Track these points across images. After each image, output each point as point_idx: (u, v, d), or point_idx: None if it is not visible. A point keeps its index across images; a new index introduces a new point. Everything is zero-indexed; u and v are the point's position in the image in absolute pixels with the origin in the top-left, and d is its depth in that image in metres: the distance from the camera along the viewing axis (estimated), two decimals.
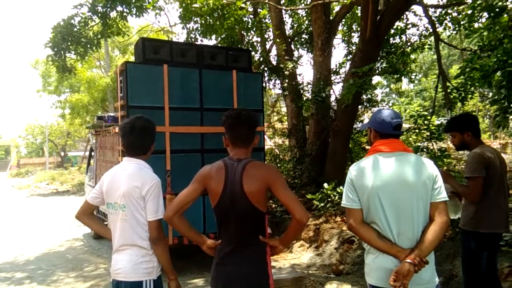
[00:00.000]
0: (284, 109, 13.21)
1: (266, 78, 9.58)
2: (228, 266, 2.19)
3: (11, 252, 7.43)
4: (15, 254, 7.32)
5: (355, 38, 11.39)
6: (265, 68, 9.43)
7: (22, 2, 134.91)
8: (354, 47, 11.06)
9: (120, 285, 2.34)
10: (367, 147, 9.26)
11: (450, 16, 9.37)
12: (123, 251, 2.35)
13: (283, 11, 10.08)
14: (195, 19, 8.22)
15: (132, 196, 2.30)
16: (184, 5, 7.62)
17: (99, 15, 8.32)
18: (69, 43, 8.56)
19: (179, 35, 21.62)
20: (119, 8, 8.33)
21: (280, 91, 11.05)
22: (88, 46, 8.87)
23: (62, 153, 36.68)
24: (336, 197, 6.82)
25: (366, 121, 11.10)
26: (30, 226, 10.25)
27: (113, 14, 8.49)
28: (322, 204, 6.92)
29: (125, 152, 2.48)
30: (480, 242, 3.08)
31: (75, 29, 8.53)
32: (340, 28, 10.93)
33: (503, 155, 4.64)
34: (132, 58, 19.23)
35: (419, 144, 8.05)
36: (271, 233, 2.23)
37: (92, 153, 8.63)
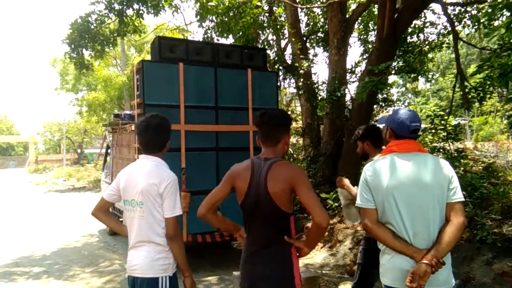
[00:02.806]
0: (298, 108, 13.16)
1: (281, 77, 9.57)
2: (253, 265, 2.23)
3: (29, 247, 7.57)
4: (33, 249, 7.46)
5: (372, 37, 11.27)
6: (280, 67, 9.41)
7: (41, 2, 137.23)
8: (370, 46, 10.95)
9: (136, 281, 2.36)
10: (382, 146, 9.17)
11: (470, 14, 9.20)
12: (140, 247, 2.37)
13: (299, 9, 10.02)
14: (211, 18, 8.24)
15: (149, 193, 2.32)
16: (200, 3, 7.65)
17: (116, 12, 8.41)
18: (86, 40, 8.66)
19: (195, 34, 21.77)
20: (136, 6, 8.40)
21: (295, 90, 11.03)
22: (105, 43, 8.97)
23: (79, 150, 37.21)
24: None
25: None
26: (47, 222, 10.43)
27: (129, 12, 8.56)
28: (336, 204, 6.88)
29: (141, 149, 2.50)
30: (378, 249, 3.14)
31: (92, 27, 8.63)
32: (356, 26, 10.84)
33: None
34: (148, 57, 19.42)
35: (435, 144, 7.94)
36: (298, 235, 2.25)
37: (109, 151, 8.73)
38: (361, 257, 3.37)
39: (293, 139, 14.13)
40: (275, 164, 2.17)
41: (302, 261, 6.16)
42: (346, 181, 3.34)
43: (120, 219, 6.08)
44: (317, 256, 6.27)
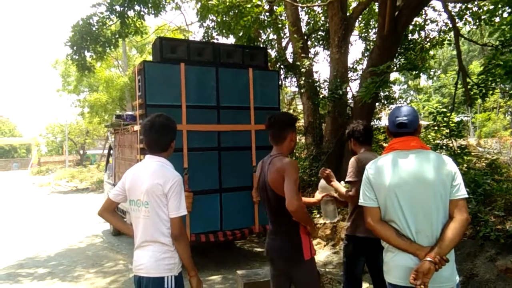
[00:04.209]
0: (300, 107, 13.14)
1: (283, 76, 9.56)
2: (270, 240, 2.78)
3: (33, 248, 7.61)
4: (37, 250, 7.49)
5: (373, 35, 11.25)
6: (281, 66, 9.41)
7: (43, 3, 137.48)
8: (371, 44, 10.93)
9: (142, 281, 2.37)
10: (384, 144, 9.16)
11: (471, 10, 9.17)
12: (145, 247, 2.38)
13: (299, 8, 10.01)
14: (211, 17, 8.24)
15: (154, 193, 2.33)
16: (200, 2, 7.65)
17: (117, 14, 8.42)
18: (88, 42, 8.68)
19: (196, 34, 21.76)
20: (137, 8, 8.42)
21: (296, 89, 11.03)
22: (106, 45, 8.99)
23: (81, 152, 37.27)
24: None
25: (383, 118, 11.00)
26: (51, 223, 10.47)
27: (130, 13, 8.57)
28: None
29: (146, 150, 2.51)
30: (357, 246, 3.27)
31: (94, 29, 8.65)
32: (357, 24, 10.82)
33: None
34: (149, 58, 19.44)
35: (438, 141, 7.92)
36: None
37: (111, 151, 8.75)
38: (343, 253, 3.49)
39: None
40: (273, 159, 2.67)
41: None
42: (335, 182, 3.35)
43: (124, 219, 6.10)
44: (320, 254, 6.27)
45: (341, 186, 3.37)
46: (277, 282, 2.82)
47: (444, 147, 7.20)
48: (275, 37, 10.52)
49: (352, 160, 3.30)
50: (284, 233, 2.67)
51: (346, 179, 3.29)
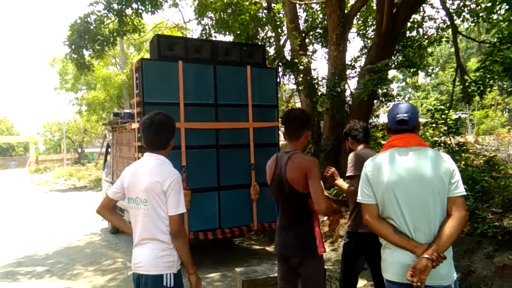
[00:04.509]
0: (298, 104, 13.13)
1: (281, 73, 9.55)
2: (281, 237, 2.76)
3: (31, 247, 7.60)
4: (35, 248, 7.49)
5: (371, 32, 11.25)
6: (280, 63, 9.39)
7: (40, 1, 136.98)
8: (369, 41, 10.93)
9: (141, 278, 2.37)
10: (382, 142, 9.17)
11: (468, 8, 9.17)
12: (144, 245, 2.38)
13: (297, 6, 10.00)
14: (209, 15, 8.22)
15: (153, 191, 2.32)
16: (198, 0, 7.64)
17: (115, 12, 8.39)
18: (86, 41, 8.66)
19: (193, 32, 21.72)
20: (134, 6, 8.39)
21: (294, 86, 11.00)
22: (104, 43, 8.97)
23: (79, 150, 37.19)
24: None
25: (381, 115, 11.00)
26: (50, 221, 10.46)
27: (128, 11, 8.55)
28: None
29: (145, 147, 2.51)
30: (358, 242, 3.28)
31: (92, 27, 8.62)
32: (355, 22, 10.81)
33: None
34: (147, 55, 19.38)
35: (436, 138, 7.93)
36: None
37: (109, 149, 8.74)
38: (343, 250, 3.50)
39: None
40: (293, 156, 2.67)
41: None
42: (339, 180, 3.36)
43: (122, 217, 6.09)
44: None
45: (344, 183, 3.39)
46: (288, 281, 2.80)
47: (442, 144, 7.22)
48: (273, 34, 10.51)
49: (351, 155, 3.32)
50: (299, 228, 2.69)
51: (347, 174, 3.29)
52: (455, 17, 9.01)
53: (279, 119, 6.14)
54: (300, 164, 2.61)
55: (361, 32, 11.53)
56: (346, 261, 3.39)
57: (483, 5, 8.20)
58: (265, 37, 10.40)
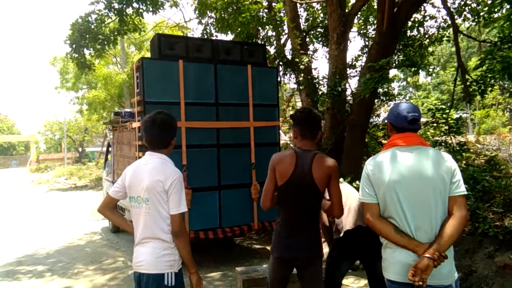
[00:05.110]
0: (299, 104, 13.13)
1: (281, 73, 9.54)
2: (287, 240, 2.64)
3: (32, 246, 7.61)
4: (36, 247, 7.49)
5: (371, 31, 11.23)
6: (280, 63, 9.38)
7: (41, 1, 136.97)
8: (370, 41, 10.91)
9: (142, 277, 2.37)
10: (383, 141, 9.16)
11: (469, 7, 9.16)
12: (146, 244, 2.38)
13: (298, 5, 9.98)
14: (210, 14, 8.21)
15: (155, 190, 2.32)
16: None
17: (115, 12, 8.39)
18: (86, 40, 8.66)
19: (194, 31, 21.71)
20: (135, 5, 8.38)
21: (295, 86, 11.00)
22: (105, 43, 8.96)
23: (80, 149, 37.19)
24: None
25: (382, 115, 10.99)
26: (50, 220, 10.47)
27: (129, 10, 8.54)
28: None
29: (147, 146, 2.51)
30: (344, 245, 3.29)
31: (92, 26, 8.62)
32: (356, 21, 10.78)
33: None
34: (148, 54, 19.38)
35: (437, 138, 7.92)
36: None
37: (110, 149, 8.74)
38: (327, 257, 3.41)
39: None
40: (318, 156, 2.62)
41: None
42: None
43: (123, 216, 6.09)
44: None
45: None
46: (280, 284, 2.78)
47: (443, 143, 7.21)
48: (273, 33, 10.49)
49: None
50: (312, 229, 2.69)
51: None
52: (456, 16, 8.99)
53: (280, 119, 6.13)
54: (328, 164, 2.59)
55: (362, 32, 11.51)
56: (329, 270, 3.35)
57: (483, 4, 8.20)
58: (265, 36, 10.38)
